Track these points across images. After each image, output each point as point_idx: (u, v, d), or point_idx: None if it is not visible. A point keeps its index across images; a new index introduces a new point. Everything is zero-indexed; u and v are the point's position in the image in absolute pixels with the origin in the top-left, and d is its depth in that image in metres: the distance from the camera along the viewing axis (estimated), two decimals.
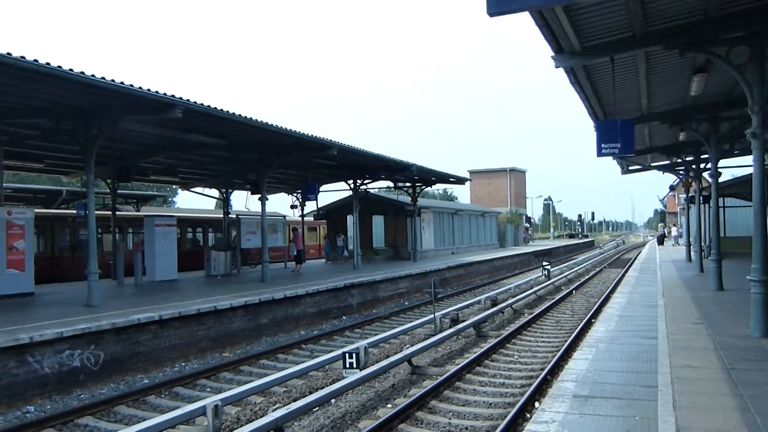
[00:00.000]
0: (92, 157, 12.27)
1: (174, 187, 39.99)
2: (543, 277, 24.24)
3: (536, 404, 7.26)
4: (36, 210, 16.45)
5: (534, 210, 76.84)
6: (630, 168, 23.40)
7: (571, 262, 35.62)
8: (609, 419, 4.91)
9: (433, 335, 11.80)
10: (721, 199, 22.46)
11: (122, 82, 10.19)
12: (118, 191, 21.39)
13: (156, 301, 13.07)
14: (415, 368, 9.75)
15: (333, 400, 8.06)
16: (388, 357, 9.91)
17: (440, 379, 8.76)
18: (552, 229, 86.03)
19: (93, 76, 9.66)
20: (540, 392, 7.94)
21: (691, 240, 26.10)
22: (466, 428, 7.02)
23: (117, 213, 21.00)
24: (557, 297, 19.00)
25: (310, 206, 30.34)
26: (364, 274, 19.75)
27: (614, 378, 6.16)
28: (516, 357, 10.94)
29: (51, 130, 12.68)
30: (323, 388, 8.07)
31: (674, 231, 48.24)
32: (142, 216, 22.05)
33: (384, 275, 19.69)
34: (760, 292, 7.88)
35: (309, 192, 25.02)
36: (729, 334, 8.12)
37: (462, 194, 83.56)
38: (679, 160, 20.45)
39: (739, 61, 8.46)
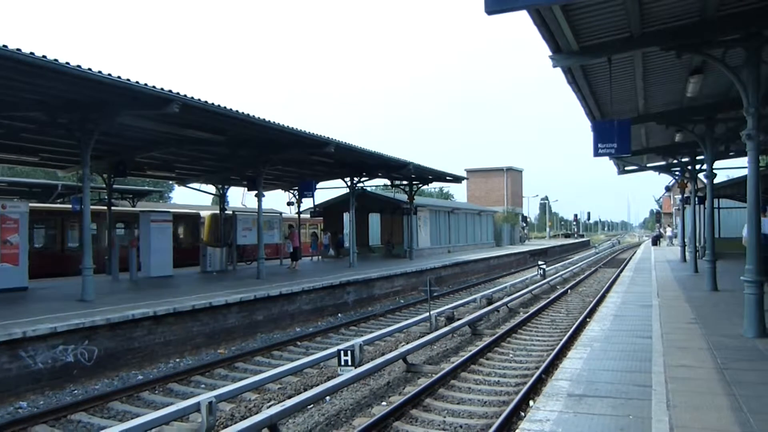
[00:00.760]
0: (88, 151, 12.22)
1: (170, 182, 39.88)
2: (538, 276, 24.29)
3: (531, 403, 7.28)
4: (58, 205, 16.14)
5: (530, 209, 77.22)
6: (626, 168, 23.46)
7: (566, 262, 35.70)
8: (603, 418, 4.93)
9: (428, 333, 11.81)
10: (716, 200, 22.52)
11: (119, 77, 10.13)
12: (114, 186, 21.30)
13: (151, 296, 13.03)
14: (410, 366, 9.76)
15: (328, 398, 8.06)
16: (383, 355, 9.92)
17: (435, 377, 8.77)
18: (548, 229, 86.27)
19: (89, 69, 9.60)
20: (535, 391, 7.97)
21: (686, 240, 26.20)
22: (461, 426, 7.03)
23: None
24: (552, 296, 19.05)
25: (308, 203, 30.37)
26: (359, 272, 19.75)
27: (609, 377, 6.18)
28: (511, 355, 10.96)
29: (47, 123, 12.61)
30: (318, 385, 8.07)
31: (669, 231, 48.52)
32: (132, 212, 21.92)
33: (380, 273, 19.70)
34: (753, 292, 7.92)
35: (306, 189, 25.03)
36: (723, 334, 8.15)
37: (458, 193, 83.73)
38: (675, 161, 20.55)
39: (735, 63, 8.48)
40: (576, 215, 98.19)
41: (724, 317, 9.60)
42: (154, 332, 10.95)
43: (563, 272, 27.16)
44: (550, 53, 8.87)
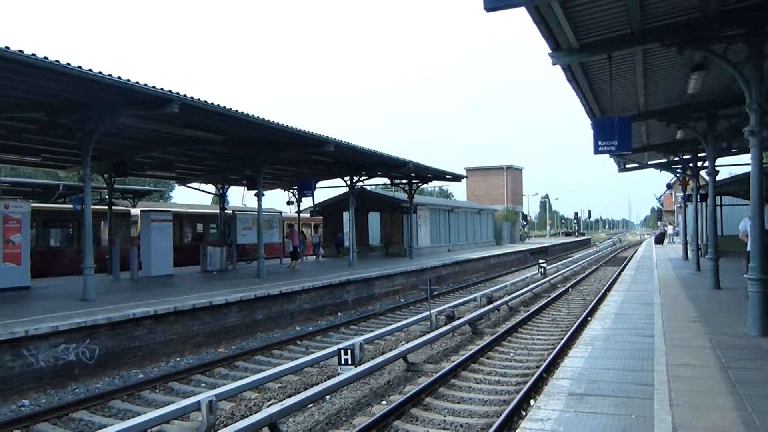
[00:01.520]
0: (89, 151, 12.22)
1: (171, 182, 39.89)
2: (539, 274, 24.27)
3: (531, 402, 7.25)
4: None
5: (530, 208, 77.22)
6: (627, 166, 23.42)
7: (567, 260, 35.64)
8: (605, 417, 4.90)
9: (428, 332, 11.77)
10: (718, 198, 22.44)
11: (119, 77, 10.12)
12: (115, 186, 21.28)
13: (151, 295, 13.03)
14: (411, 365, 9.73)
15: (328, 397, 8.04)
16: (383, 353, 9.90)
17: (435, 376, 8.75)
18: (548, 227, 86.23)
19: (90, 70, 9.60)
20: (535, 390, 7.94)
21: (688, 238, 26.15)
22: (462, 425, 7.01)
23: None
24: (553, 295, 19.02)
25: (307, 203, 30.33)
26: (359, 271, 19.73)
27: (610, 376, 6.15)
28: (512, 354, 10.93)
29: (48, 124, 12.62)
30: (318, 384, 8.05)
31: (670, 229, 48.47)
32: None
33: (380, 272, 19.67)
34: (757, 290, 7.87)
35: (305, 188, 25.02)
36: (726, 333, 8.11)
37: (458, 191, 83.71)
38: (677, 158, 20.49)
39: (738, 58, 8.44)
40: (577, 213, 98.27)
41: (727, 315, 9.57)
42: (155, 331, 10.95)
43: (564, 271, 27.11)
44: (550, 51, 8.84)
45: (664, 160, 22.04)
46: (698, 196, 21.24)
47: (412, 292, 20.62)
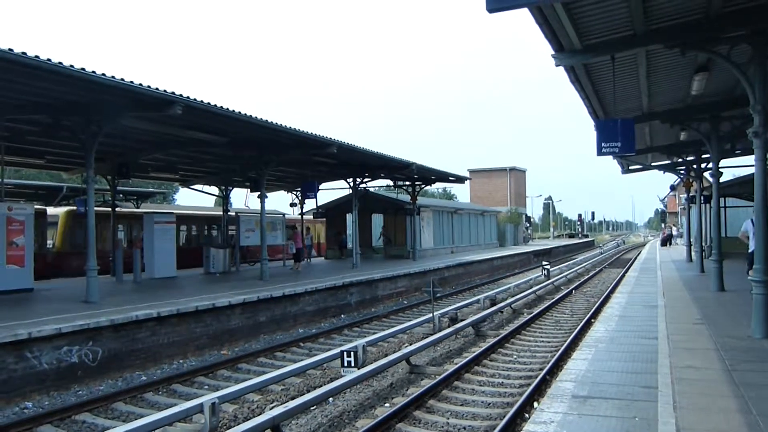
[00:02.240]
0: (92, 153, 12.24)
1: (174, 184, 40.00)
2: (542, 276, 24.19)
3: (535, 404, 7.23)
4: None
5: (534, 209, 76.95)
6: (630, 168, 23.33)
7: (570, 262, 35.57)
8: (608, 420, 4.87)
9: (431, 334, 11.76)
10: (722, 199, 22.41)
11: (122, 79, 10.15)
12: (119, 188, 21.33)
13: (154, 297, 13.04)
14: (414, 367, 9.72)
15: (331, 399, 8.03)
16: (386, 356, 9.88)
17: (438, 378, 8.72)
18: (552, 229, 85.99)
19: (93, 72, 9.63)
20: (539, 392, 7.90)
21: (691, 240, 26.06)
22: (465, 428, 6.99)
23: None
24: (557, 297, 18.97)
25: (311, 204, 30.33)
26: (362, 273, 19.71)
27: (614, 378, 6.12)
28: (515, 357, 10.90)
29: (51, 126, 12.65)
30: (321, 386, 8.03)
31: (674, 231, 48.31)
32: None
33: (383, 274, 19.65)
34: (762, 292, 7.82)
35: (308, 190, 25.03)
36: (730, 335, 8.07)
37: (461, 193, 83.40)
38: (680, 160, 20.40)
39: (741, 60, 8.41)
40: (580, 215, 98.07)
41: (732, 318, 9.52)
42: (158, 333, 10.95)
43: (567, 273, 27.05)
44: (553, 52, 8.81)
45: (668, 162, 21.96)
46: (702, 198, 21.16)
47: (415, 294, 20.59)
